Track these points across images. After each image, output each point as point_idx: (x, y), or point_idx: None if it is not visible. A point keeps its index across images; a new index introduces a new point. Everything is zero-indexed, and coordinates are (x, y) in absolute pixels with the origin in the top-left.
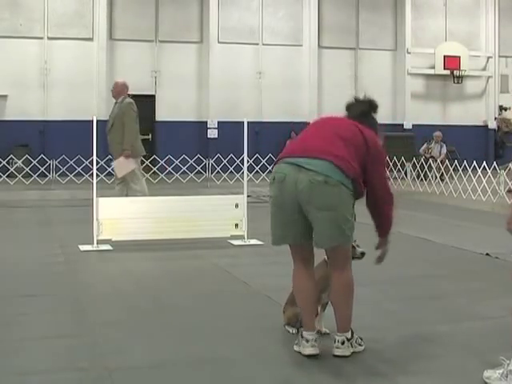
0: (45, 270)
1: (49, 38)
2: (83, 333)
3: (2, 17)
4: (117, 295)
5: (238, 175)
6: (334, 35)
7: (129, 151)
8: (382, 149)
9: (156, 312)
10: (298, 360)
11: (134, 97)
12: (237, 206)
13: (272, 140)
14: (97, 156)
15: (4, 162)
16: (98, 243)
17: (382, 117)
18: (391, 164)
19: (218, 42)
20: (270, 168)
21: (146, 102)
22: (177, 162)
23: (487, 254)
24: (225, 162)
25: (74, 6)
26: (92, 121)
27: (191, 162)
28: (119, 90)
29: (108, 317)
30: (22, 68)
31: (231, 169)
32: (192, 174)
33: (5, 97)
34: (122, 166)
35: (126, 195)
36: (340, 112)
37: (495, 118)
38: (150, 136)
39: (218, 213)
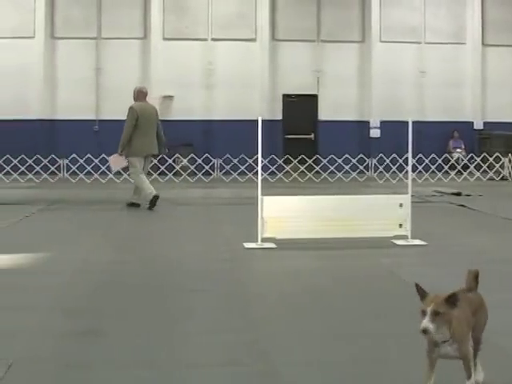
0: (211, 267)
1: (212, 40)
2: (246, 329)
3: (168, 20)
4: (279, 293)
5: (400, 175)
6: (498, 32)
7: (120, 151)
8: None
9: (317, 311)
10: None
11: (297, 96)
12: (401, 205)
13: (434, 139)
14: (261, 155)
15: (170, 161)
16: (262, 241)
17: None
18: None
19: (380, 41)
20: (432, 168)
21: (308, 102)
22: (339, 161)
23: None
24: (387, 161)
25: (236, 8)
26: (257, 120)
27: (354, 161)
28: (134, 96)
29: (271, 314)
30: (187, 69)
31: (394, 168)
32: (354, 174)
33: (171, 97)
34: (116, 162)
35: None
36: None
37: None
38: (312, 135)
39: (381, 212)
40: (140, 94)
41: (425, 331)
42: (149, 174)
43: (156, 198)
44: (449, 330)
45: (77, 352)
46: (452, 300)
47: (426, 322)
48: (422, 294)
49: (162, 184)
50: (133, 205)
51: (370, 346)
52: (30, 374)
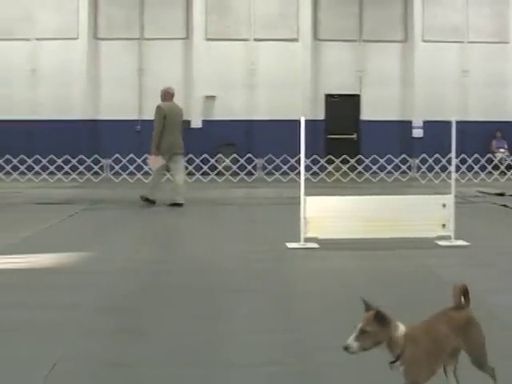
0: (253, 267)
1: (255, 40)
2: (289, 328)
3: (210, 20)
4: (322, 293)
5: (443, 175)
6: None
7: (154, 151)
8: None
9: (360, 312)
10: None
11: (339, 96)
12: (444, 205)
13: (477, 139)
14: (304, 155)
15: (213, 161)
16: (304, 241)
17: None
18: None
19: (423, 41)
20: (476, 168)
21: (350, 102)
22: (382, 161)
23: None
24: (430, 161)
25: (278, 8)
26: (299, 120)
27: (396, 161)
28: (161, 96)
29: (314, 314)
30: (229, 69)
31: (437, 168)
32: (397, 174)
33: (213, 97)
34: (154, 161)
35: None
36: None
37: None
38: (354, 135)
39: (424, 213)
40: (167, 95)
41: (346, 349)
42: (190, 174)
43: (147, 199)
44: (390, 349)
45: (120, 351)
46: (379, 318)
47: (350, 340)
48: (366, 308)
49: (204, 184)
50: (175, 204)
51: None
52: (74, 373)
